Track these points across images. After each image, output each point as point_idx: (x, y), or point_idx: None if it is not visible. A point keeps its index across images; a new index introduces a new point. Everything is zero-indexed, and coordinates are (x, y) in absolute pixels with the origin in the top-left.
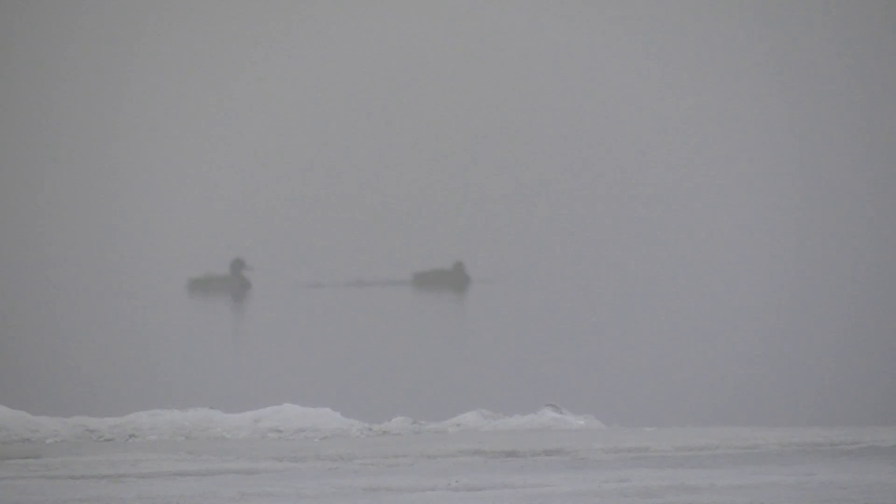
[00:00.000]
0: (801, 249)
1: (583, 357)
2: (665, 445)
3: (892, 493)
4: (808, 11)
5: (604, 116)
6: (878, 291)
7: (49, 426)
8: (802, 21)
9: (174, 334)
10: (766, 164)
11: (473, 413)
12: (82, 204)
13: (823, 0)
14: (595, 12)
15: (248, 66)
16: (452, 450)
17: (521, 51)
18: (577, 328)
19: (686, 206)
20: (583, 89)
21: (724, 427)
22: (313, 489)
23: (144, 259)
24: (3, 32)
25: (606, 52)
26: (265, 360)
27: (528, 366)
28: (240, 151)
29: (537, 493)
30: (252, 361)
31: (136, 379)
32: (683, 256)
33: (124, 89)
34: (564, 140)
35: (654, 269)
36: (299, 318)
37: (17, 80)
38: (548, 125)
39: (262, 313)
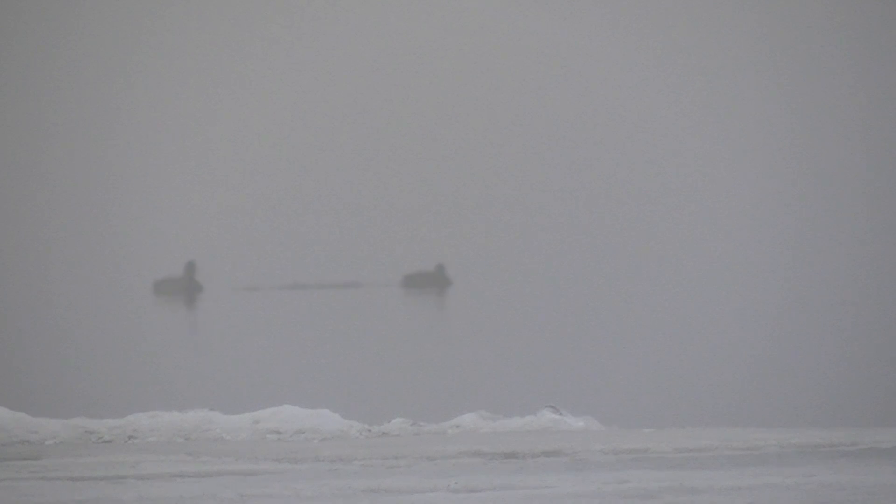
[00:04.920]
0: (802, 251)
1: (582, 358)
2: (664, 447)
3: (892, 495)
4: (808, 12)
5: (600, 117)
6: (877, 293)
7: (48, 427)
8: (803, 21)
9: (174, 336)
10: (767, 164)
11: (473, 414)
12: (81, 206)
13: (824, 1)
14: (585, 16)
15: (219, 74)
16: (452, 451)
17: (509, 58)
18: (577, 330)
19: (685, 207)
20: (574, 92)
21: (724, 428)
22: (312, 490)
23: (143, 262)
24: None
25: (599, 57)
26: (264, 362)
27: (528, 367)
28: (244, 150)
29: (537, 494)
30: (251, 363)
31: (135, 380)
32: (683, 258)
33: (90, 105)
34: (561, 140)
35: (654, 271)
36: (297, 319)
37: None
38: (543, 124)
39: (259, 314)
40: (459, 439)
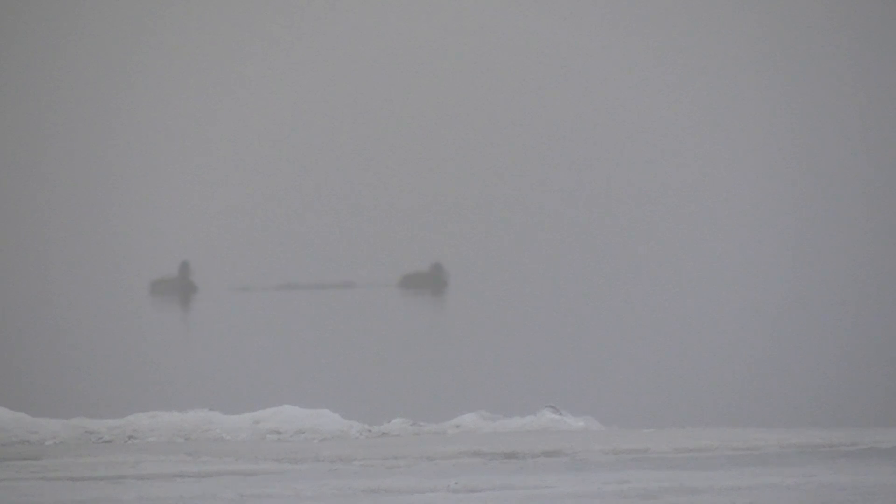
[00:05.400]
0: (802, 251)
1: (582, 359)
2: (664, 447)
3: (892, 495)
4: (808, 12)
5: (600, 117)
6: (877, 293)
7: (49, 428)
8: (803, 21)
9: (174, 336)
10: (767, 164)
11: (473, 414)
12: (80, 206)
13: (824, 1)
14: (585, 16)
15: (216, 76)
16: (452, 451)
17: (509, 58)
18: (577, 330)
19: (685, 207)
20: (574, 92)
21: (724, 428)
22: (313, 490)
23: (143, 262)
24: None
25: (599, 57)
26: (264, 362)
27: (528, 367)
28: (242, 151)
29: (537, 494)
30: (251, 363)
31: (135, 380)
32: (683, 258)
33: (90, 105)
34: (561, 140)
35: (654, 271)
36: (298, 319)
37: None
38: (542, 124)
39: (260, 315)
40: (459, 439)
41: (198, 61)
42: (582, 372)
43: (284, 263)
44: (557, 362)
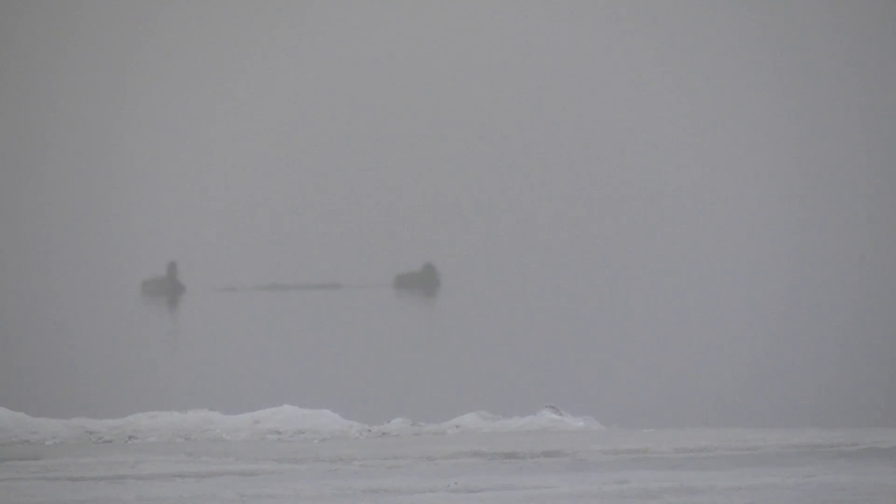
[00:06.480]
0: (801, 252)
1: (582, 359)
2: (664, 447)
3: (892, 495)
4: (809, 12)
5: (599, 118)
6: (877, 294)
7: (48, 428)
8: (803, 21)
9: (172, 336)
10: (767, 165)
11: (473, 414)
12: (80, 208)
13: (824, 1)
14: (585, 16)
15: (210, 79)
16: (452, 451)
17: (507, 58)
18: (577, 330)
19: (685, 207)
20: (573, 92)
21: (723, 428)
22: (313, 490)
23: (143, 262)
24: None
25: (599, 57)
26: (264, 362)
27: (528, 367)
28: (238, 153)
29: (537, 494)
30: (251, 363)
31: (135, 380)
32: (683, 258)
33: (85, 108)
34: (561, 141)
35: (654, 271)
36: (298, 320)
37: None
38: (542, 124)
39: (257, 315)
40: (459, 439)
41: (192, 64)
42: (582, 372)
43: (278, 264)
44: (557, 362)
